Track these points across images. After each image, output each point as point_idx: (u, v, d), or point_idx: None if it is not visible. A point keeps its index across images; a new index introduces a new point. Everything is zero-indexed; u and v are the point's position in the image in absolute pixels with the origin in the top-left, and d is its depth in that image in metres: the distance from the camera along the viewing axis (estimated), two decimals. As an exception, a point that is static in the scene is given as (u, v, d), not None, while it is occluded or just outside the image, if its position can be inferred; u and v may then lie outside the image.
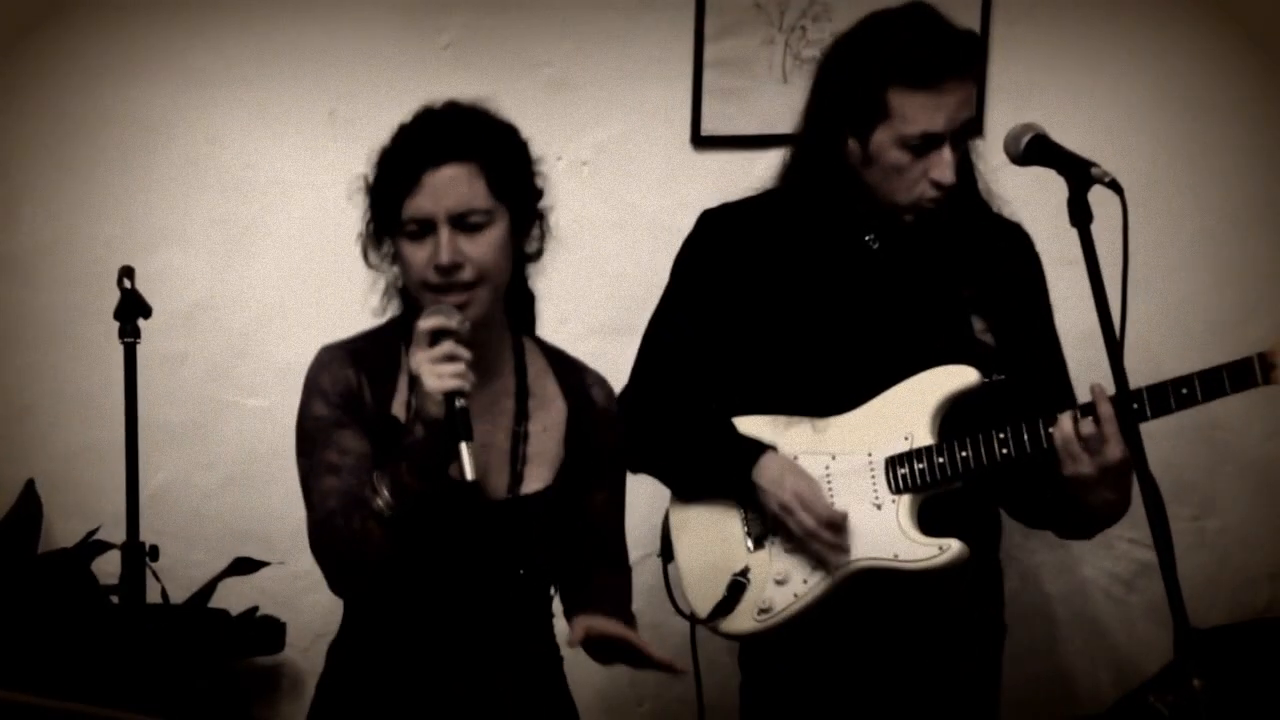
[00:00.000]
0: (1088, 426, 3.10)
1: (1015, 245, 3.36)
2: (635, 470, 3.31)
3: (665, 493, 3.41)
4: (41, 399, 3.98)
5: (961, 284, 3.28)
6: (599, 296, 4.08)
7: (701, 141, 4.05)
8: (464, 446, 2.65)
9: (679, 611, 3.36)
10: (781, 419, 3.31)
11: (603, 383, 2.99)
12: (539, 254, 2.90)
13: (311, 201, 3.97)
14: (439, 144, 2.76)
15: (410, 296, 2.84)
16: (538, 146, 3.99)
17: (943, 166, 3.15)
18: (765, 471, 3.25)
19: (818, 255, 3.27)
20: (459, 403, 2.66)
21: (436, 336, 2.70)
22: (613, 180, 4.09)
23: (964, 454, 3.20)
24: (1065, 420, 3.13)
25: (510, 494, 2.84)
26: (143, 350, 3.10)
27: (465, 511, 2.78)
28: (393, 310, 2.90)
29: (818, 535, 3.21)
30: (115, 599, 3.56)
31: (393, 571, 2.76)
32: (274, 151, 3.99)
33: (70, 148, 3.97)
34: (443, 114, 2.82)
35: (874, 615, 3.29)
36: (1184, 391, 3.11)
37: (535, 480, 2.86)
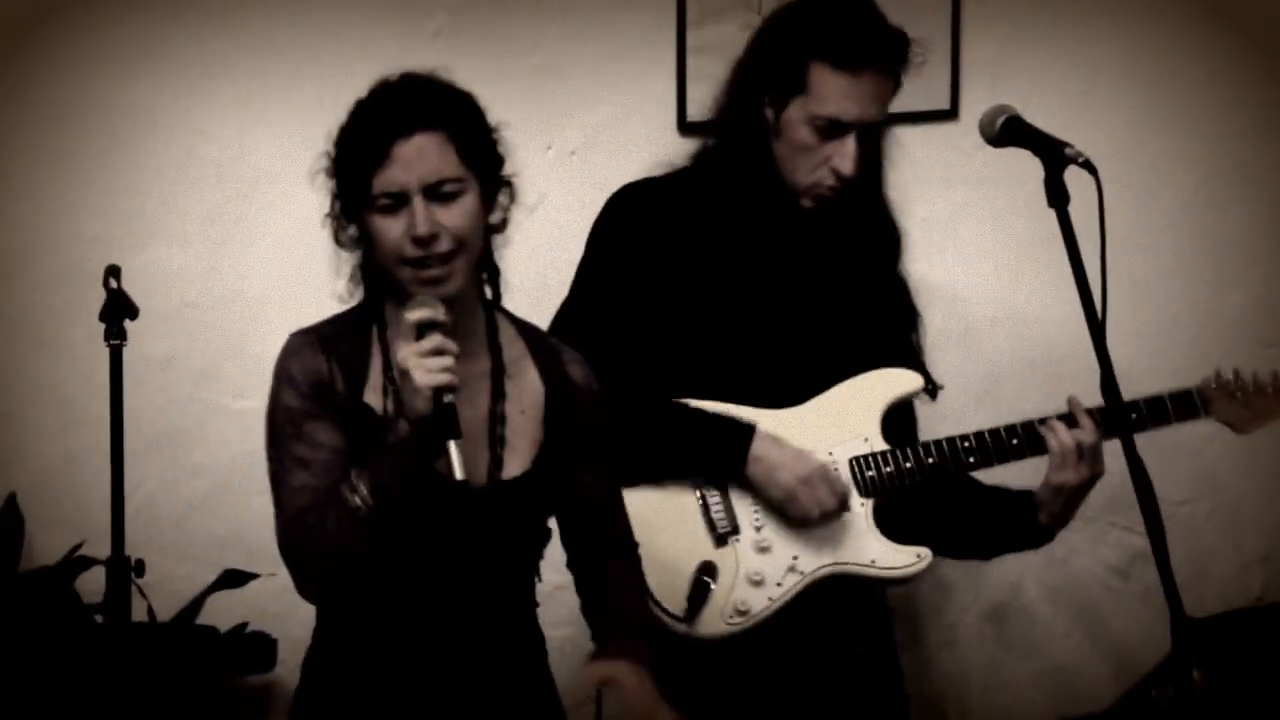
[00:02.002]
0: (1089, 436, 3.17)
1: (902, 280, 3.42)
2: None
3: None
4: (22, 407, 3.93)
5: (879, 278, 3.33)
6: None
7: (688, 127, 4.05)
8: (452, 445, 2.60)
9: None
10: (739, 409, 3.26)
11: (580, 361, 2.93)
12: (504, 225, 2.84)
13: (303, 193, 3.85)
14: (406, 113, 2.72)
15: (380, 275, 2.78)
16: (527, 134, 4.02)
17: (845, 157, 3.18)
18: (765, 458, 3.21)
19: (740, 236, 3.26)
20: (447, 398, 2.62)
21: (423, 329, 2.65)
22: (602, 167, 4.07)
23: (930, 460, 3.24)
24: (1061, 429, 3.19)
25: (490, 479, 2.78)
26: (128, 353, 3.02)
27: (447, 510, 2.72)
28: (358, 296, 2.85)
29: (826, 511, 3.21)
30: (99, 618, 3.51)
31: (367, 573, 2.71)
32: (263, 143, 3.94)
33: (51, 141, 3.92)
34: (402, 84, 2.77)
35: (826, 619, 3.27)
36: (1132, 416, 3.18)
37: (515, 464, 2.81)
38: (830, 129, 3.17)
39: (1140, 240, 4.10)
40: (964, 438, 3.23)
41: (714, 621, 3.21)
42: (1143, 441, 2.80)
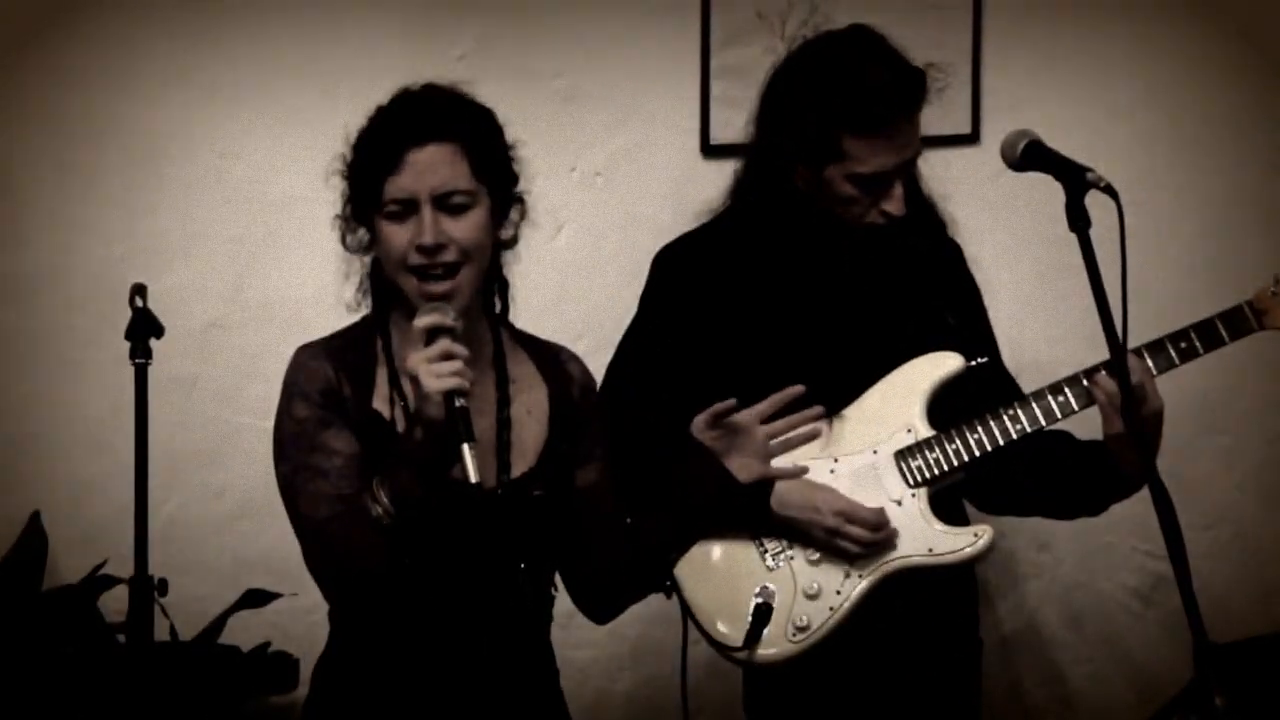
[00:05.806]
0: (1138, 377, 3.11)
1: (954, 249, 3.43)
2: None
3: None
4: (46, 427, 3.95)
5: (927, 280, 3.33)
6: (616, 309, 3.97)
7: (711, 150, 4.09)
8: (466, 448, 2.59)
9: (711, 643, 3.26)
10: None
11: (577, 359, 2.94)
12: (514, 241, 2.86)
13: (328, 215, 3.90)
14: (421, 123, 2.73)
15: (386, 283, 2.79)
16: (551, 157, 4.04)
17: (894, 200, 3.22)
18: (788, 498, 3.21)
19: (786, 269, 3.29)
20: (459, 402, 2.61)
21: (432, 335, 2.65)
22: (626, 190, 4.11)
23: (975, 437, 3.24)
24: (1104, 379, 3.16)
25: (499, 482, 2.78)
26: (152, 373, 3.03)
27: (465, 513, 2.72)
28: (366, 306, 2.86)
29: (873, 541, 3.20)
30: (122, 637, 3.50)
31: (393, 580, 2.71)
32: (289, 165, 3.95)
33: (77, 163, 3.94)
34: (422, 95, 2.79)
35: (890, 619, 3.26)
36: (1182, 345, 3.17)
37: (521, 464, 2.82)
38: (875, 180, 3.20)
39: (1156, 267, 4.10)
40: (1008, 406, 3.22)
41: (779, 643, 3.21)
42: (1165, 468, 2.78)
